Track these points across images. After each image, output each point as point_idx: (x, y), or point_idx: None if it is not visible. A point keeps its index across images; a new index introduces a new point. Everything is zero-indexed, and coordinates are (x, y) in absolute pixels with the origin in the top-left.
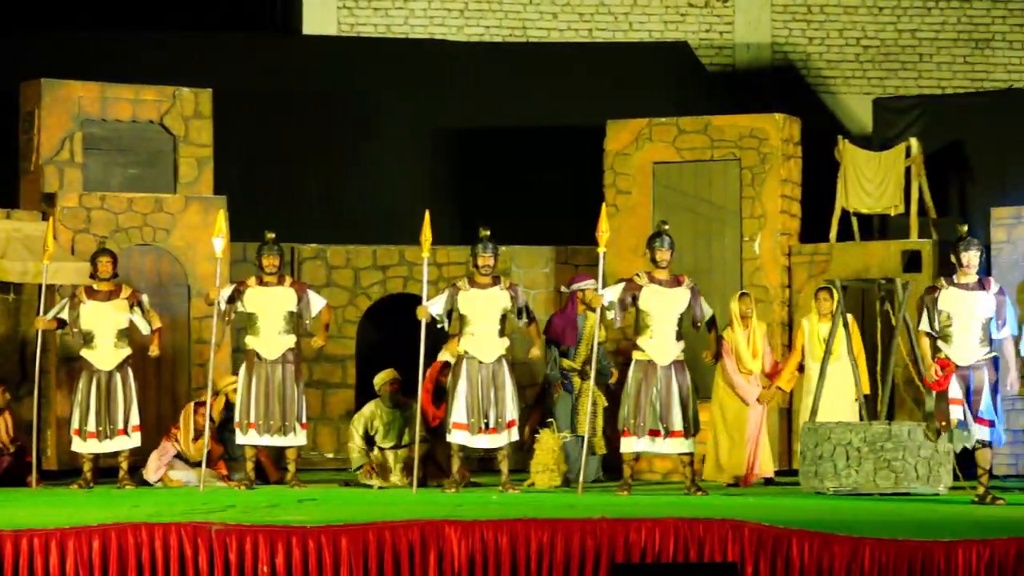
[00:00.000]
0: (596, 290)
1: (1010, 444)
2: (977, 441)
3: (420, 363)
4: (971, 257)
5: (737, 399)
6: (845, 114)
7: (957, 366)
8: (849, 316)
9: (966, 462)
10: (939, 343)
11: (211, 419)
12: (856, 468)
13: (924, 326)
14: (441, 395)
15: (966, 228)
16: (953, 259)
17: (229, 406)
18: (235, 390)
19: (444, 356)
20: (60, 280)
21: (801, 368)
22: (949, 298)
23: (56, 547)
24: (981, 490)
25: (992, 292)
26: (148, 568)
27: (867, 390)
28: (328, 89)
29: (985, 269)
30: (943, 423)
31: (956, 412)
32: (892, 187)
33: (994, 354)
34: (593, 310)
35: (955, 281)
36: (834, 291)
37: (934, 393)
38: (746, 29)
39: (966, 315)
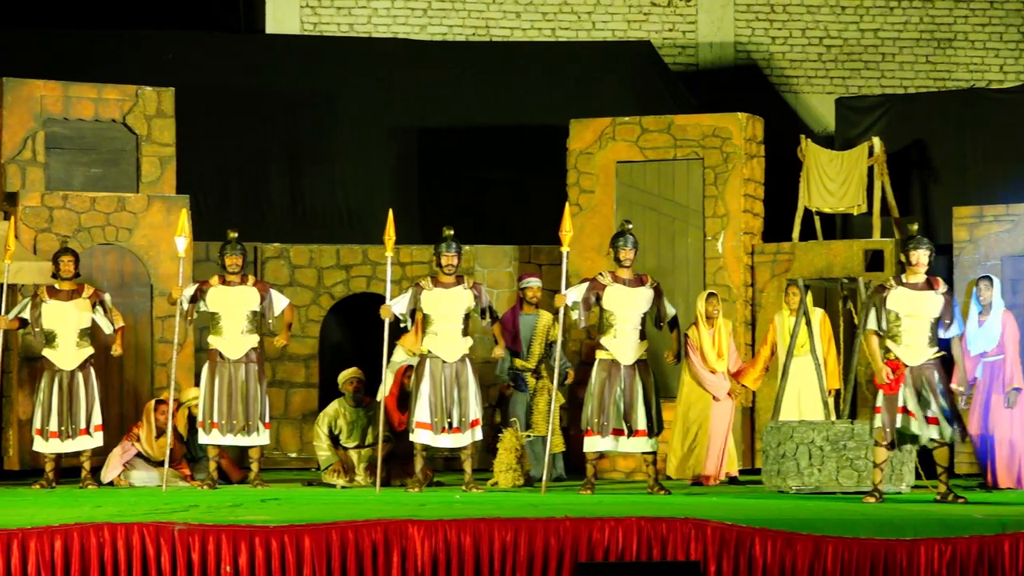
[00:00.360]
0: (540, 287)
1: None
2: (931, 440)
3: (383, 362)
4: (920, 256)
5: (703, 397)
6: (808, 113)
7: (907, 366)
8: (820, 312)
9: (929, 461)
10: (888, 343)
11: (175, 429)
12: (819, 467)
13: (872, 325)
14: (406, 400)
15: (916, 227)
16: (902, 258)
17: (192, 418)
18: (198, 405)
19: (399, 353)
20: (22, 280)
21: (768, 368)
22: (898, 298)
23: (18, 547)
24: (943, 489)
25: (940, 292)
26: (111, 568)
27: (839, 385)
28: (291, 88)
29: (947, 268)
30: (887, 429)
31: (897, 421)
32: (855, 186)
33: (943, 353)
34: (555, 312)
35: (904, 281)
36: (799, 289)
37: (881, 394)
38: (709, 28)
39: (915, 315)
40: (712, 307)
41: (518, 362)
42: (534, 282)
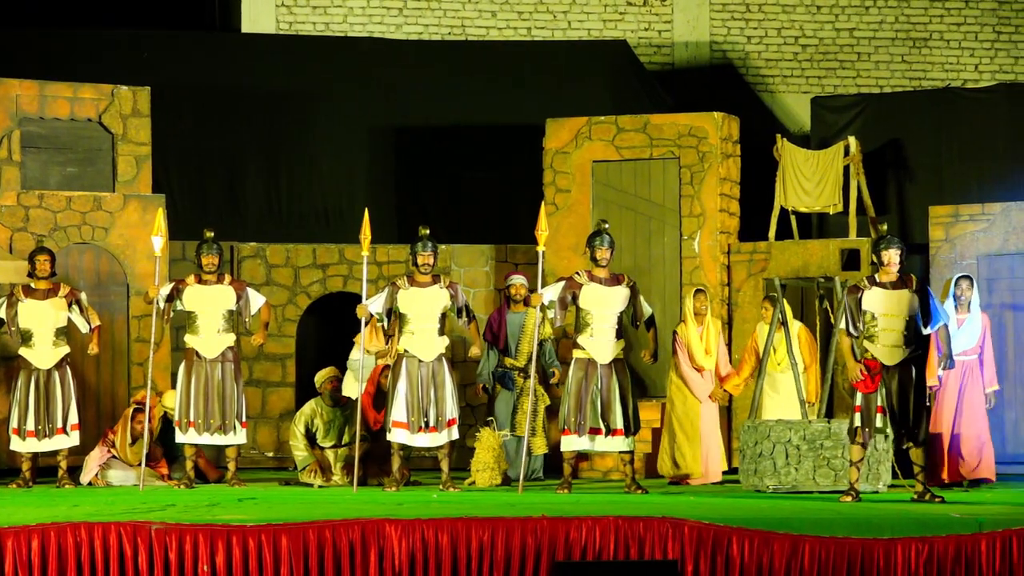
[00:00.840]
0: (524, 285)
1: None
2: (887, 436)
3: (360, 362)
4: (891, 256)
5: (688, 396)
6: (784, 113)
7: (884, 366)
8: (799, 326)
9: (906, 461)
10: (865, 343)
11: (150, 430)
12: (795, 466)
13: (843, 325)
14: (382, 399)
15: (885, 227)
16: (874, 258)
17: (166, 420)
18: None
19: (356, 352)
20: None
21: (753, 377)
22: (873, 298)
23: None
24: (920, 488)
25: (914, 289)
26: (87, 568)
27: (813, 399)
28: (267, 87)
29: (923, 267)
30: (866, 429)
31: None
32: (830, 186)
33: (919, 352)
34: (532, 306)
35: (877, 281)
36: (772, 302)
37: (859, 395)
38: (685, 28)
39: (891, 314)
40: (700, 304)
41: (508, 360)
42: (517, 280)
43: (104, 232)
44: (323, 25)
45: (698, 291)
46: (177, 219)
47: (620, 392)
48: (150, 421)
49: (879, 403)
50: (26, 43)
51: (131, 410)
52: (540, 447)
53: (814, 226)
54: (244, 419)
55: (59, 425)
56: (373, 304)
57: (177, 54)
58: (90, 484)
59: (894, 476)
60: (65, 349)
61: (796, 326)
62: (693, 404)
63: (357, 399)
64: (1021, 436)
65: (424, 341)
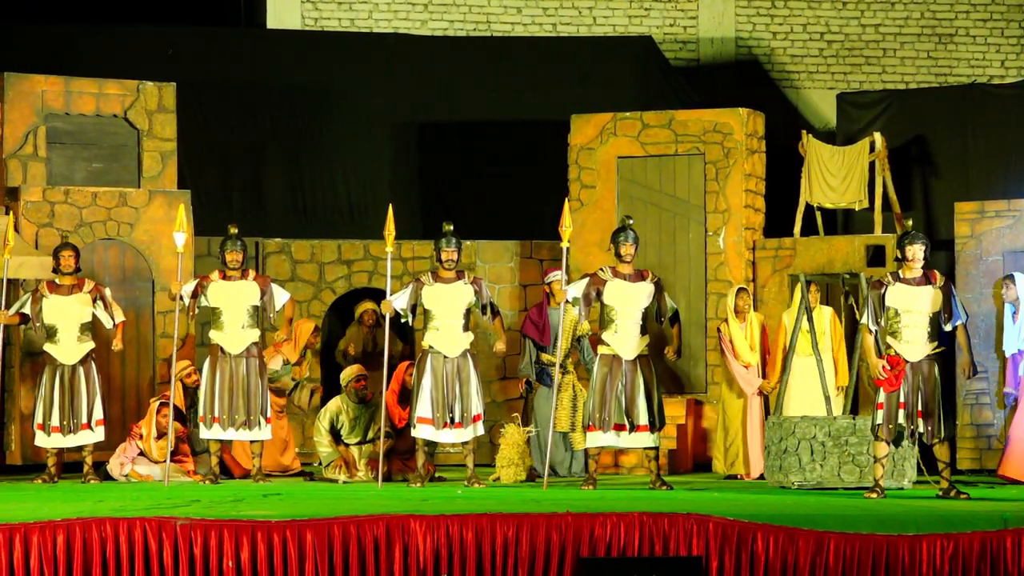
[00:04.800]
0: (561, 282)
1: (974, 439)
2: (920, 434)
3: (384, 358)
4: (916, 251)
5: (733, 394)
6: (809, 109)
7: (907, 362)
8: (830, 310)
9: (931, 457)
10: (889, 339)
11: (174, 406)
12: (821, 462)
13: (867, 320)
14: (407, 397)
15: (911, 223)
16: (898, 254)
17: (187, 392)
18: (188, 375)
19: (277, 361)
20: (23, 275)
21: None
22: (897, 294)
23: (20, 542)
24: (945, 484)
25: (938, 285)
26: (113, 563)
27: (844, 382)
28: (292, 83)
29: (949, 264)
30: (890, 426)
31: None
32: (856, 182)
33: (942, 348)
34: (558, 303)
35: (901, 276)
36: (800, 286)
37: (881, 392)
38: (710, 24)
39: (914, 310)
40: (742, 301)
41: (544, 356)
42: (554, 276)
43: (129, 228)
44: (348, 21)
45: (740, 289)
46: (202, 215)
47: (645, 388)
48: (174, 405)
49: (901, 399)
50: (52, 39)
51: (156, 405)
52: (580, 443)
53: (839, 222)
54: (268, 415)
55: (84, 421)
56: (397, 300)
57: (203, 50)
58: (126, 477)
59: (919, 472)
60: (90, 345)
61: (828, 312)
62: (738, 402)
63: (382, 395)
64: None
65: (449, 337)
